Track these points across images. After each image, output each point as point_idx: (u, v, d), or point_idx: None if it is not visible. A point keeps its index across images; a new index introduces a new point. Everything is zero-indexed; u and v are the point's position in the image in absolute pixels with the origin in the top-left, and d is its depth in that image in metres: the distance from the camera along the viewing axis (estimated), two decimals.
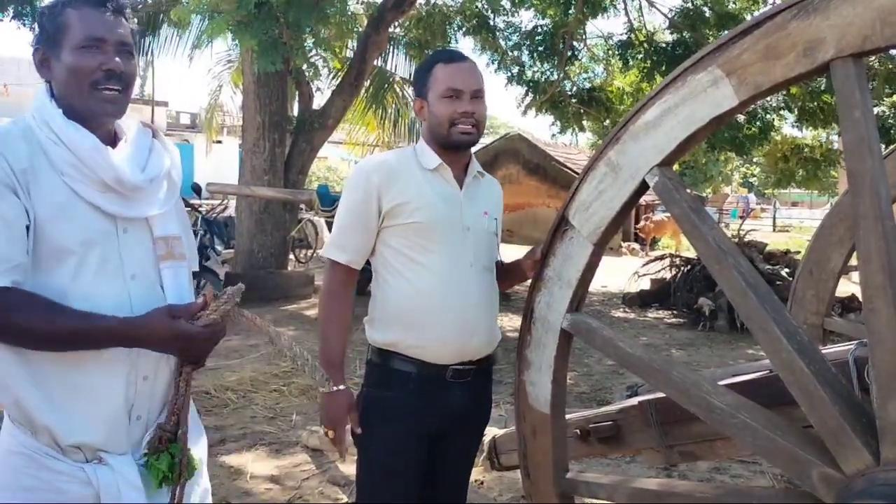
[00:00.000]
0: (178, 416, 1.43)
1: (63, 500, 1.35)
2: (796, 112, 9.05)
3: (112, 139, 1.44)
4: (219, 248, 8.62)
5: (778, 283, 7.40)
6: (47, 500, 1.34)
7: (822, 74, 1.28)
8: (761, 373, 1.68)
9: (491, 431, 2.44)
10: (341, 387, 1.88)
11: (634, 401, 1.97)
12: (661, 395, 1.85)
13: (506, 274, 2.03)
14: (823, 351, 1.64)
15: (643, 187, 1.53)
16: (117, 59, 1.38)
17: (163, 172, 1.49)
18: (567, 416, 2.00)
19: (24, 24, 7.76)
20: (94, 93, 1.37)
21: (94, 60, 1.36)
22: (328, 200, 8.66)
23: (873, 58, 8.11)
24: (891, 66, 8.02)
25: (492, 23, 10.03)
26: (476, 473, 3.43)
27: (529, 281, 1.81)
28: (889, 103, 8.63)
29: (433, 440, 1.91)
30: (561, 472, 1.73)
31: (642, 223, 17.90)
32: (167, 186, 1.50)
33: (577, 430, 2.02)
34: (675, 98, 1.45)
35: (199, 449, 1.57)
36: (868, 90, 1.26)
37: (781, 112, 8.77)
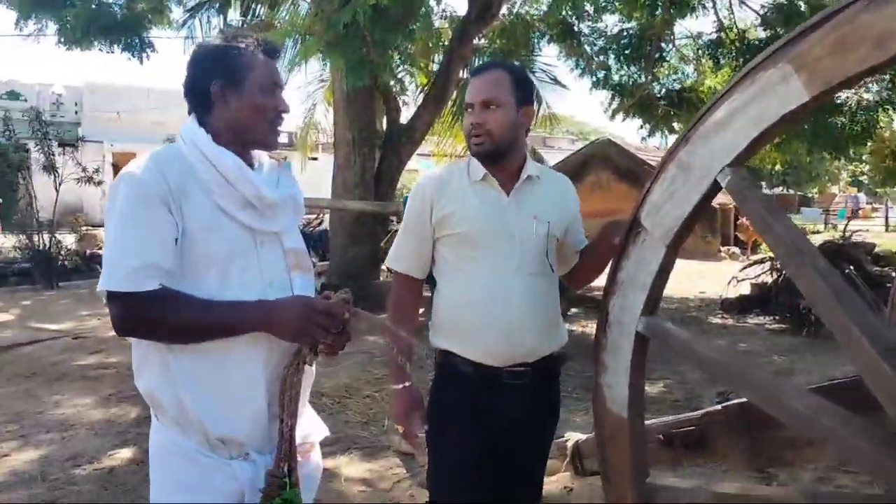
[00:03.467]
0: (289, 460, 1.52)
1: (215, 496, 1.50)
2: None
3: (250, 164, 1.63)
4: (314, 259, 8.93)
5: (887, 284, 6.97)
6: (203, 495, 1.50)
7: (895, 65, 1.23)
8: (847, 377, 1.62)
9: (574, 436, 2.45)
10: (407, 384, 1.99)
11: (719, 406, 1.94)
12: (745, 399, 1.82)
13: (588, 257, 2.08)
14: None
15: (715, 188, 1.52)
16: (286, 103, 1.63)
17: (290, 193, 1.67)
18: (650, 422, 2.00)
19: (134, 56, 8.33)
20: (270, 128, 1.60)
21: (273, 102, 1.60)
22: None
23: None
24: None
25: (576, 28, 9.96)
26: (565, 480, 3.43)
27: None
28: None
29: (498, 438, 1.96)
30: (640, 477, 1.72)
31: (744, 223, 17.23)
32: (293, 206, 1.68)
33: (661, 436, 2.01)
34: (744, 96, 1.43)
35: (316, 454, 1.73)
36: None
37: (887, 108, 8.26)
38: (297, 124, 16.28)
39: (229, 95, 1.57)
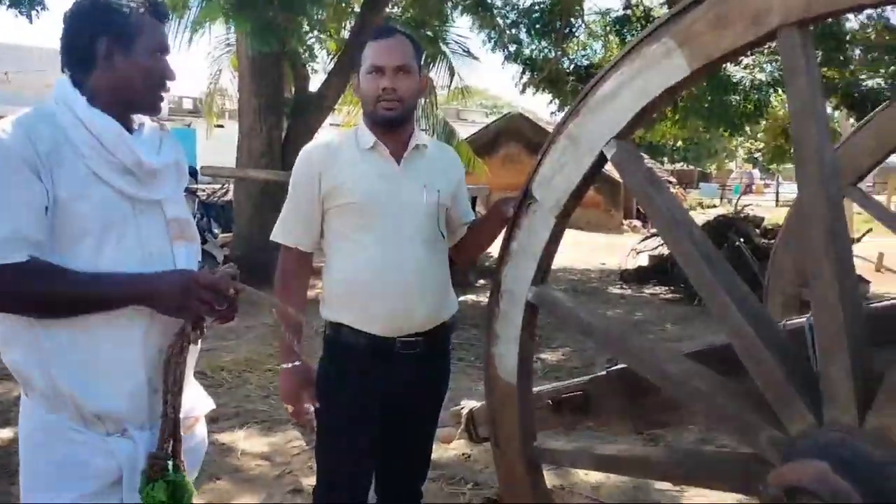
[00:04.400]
0: (172, 440, 1.46)
1: (88, 473, 1.43)
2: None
3: (129, 129, 1.53)
4: (216, 231, 8.66)
5: None
6: (76, 475, 1.42)
7: (770, 41, 1.28)
8: (720, 341, 1.70)
9: (469, 404, 2.48)
10: (296, 363, 1.96)
11: (604, 372, 2.01)
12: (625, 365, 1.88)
13: (479, 231, 2.08)
14: (791, 320, 1.67)
15: (602, 160, 1.55)
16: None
17: (174, 160, 1.59)
18: (541, 388, 2.05)
19: (22, 13, 7.75)
20: (157, 95, 1.54)
21: (161, 67, 1.53)
22: None
23: (870, 28, 8.05)
24: (888, 38, 7.96)
25: (489, 0, 9.97)
26: (464, 447, 3.49)
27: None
28: (887, 74, 8.55)
29: (389, 408, 1.97)
30: (528, 441, 1.76)
31: None
32: (177, 173, 1.61)
33: (549, 401, 2.05)
34: (630, 70, 1.45)
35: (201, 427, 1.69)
36: (814, 57, 1.27)
37: (777, 88, 8.70)
38: (202, 90, 15.61)
39: (116, 56, 1.47)
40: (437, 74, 11.79)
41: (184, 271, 1.49)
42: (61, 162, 1.40)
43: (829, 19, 1.22)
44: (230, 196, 10.34)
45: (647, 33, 1.43)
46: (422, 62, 2.02)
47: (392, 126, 1.94)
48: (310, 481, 3.18)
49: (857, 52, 8.79)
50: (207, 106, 15.09)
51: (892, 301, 1.47)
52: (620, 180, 17.32)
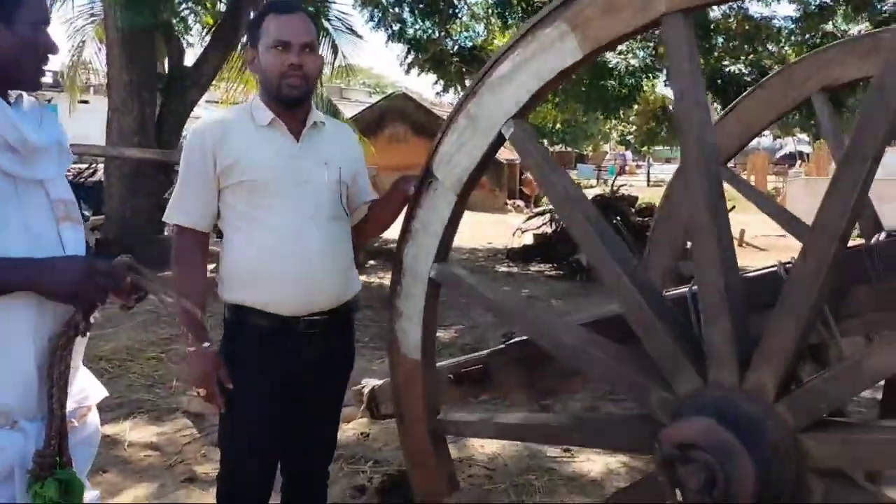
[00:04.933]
0: (58, 439, 1.39)
1: None
2: (665, 72, 9.48)
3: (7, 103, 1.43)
4: (86, 213, 8.15)
5: (647, 234, 7.83)
6: None
7: (656, 27, 1.36)
8: (611, 312, 1.80)
9: (370, 383, 2.50)
10: (206, 345, 1.89)
11: (502, 345, 2.08)
12: (525, 338, 1.96)
13: (380, 209, 2.07)
14: (670, 291, 1.79)
15: (500, 139, 1.59)
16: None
17: (56, 137, 1.50)
18: (441, 363, 2.09)
19: None
20: (39, 68, 1.45)
21: (43, 39, 1.44)
22: None
23: (732, 18, 8.62)
24: (748, 27, 8.56)
25: None
26: (362, 426, 3.51)
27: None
28: (747, 62, 9.20)
29: (293, 390, 1.95)
30: (432, 415, 1.80)
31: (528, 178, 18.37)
32: (60, 152, 1.51)
33: (451, 376, 2.10)
34: (525, 52, 1.50)
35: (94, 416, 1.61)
36: (695, 43, 1.35)
37: (650, 74, 9.17)
38: (63, 63, 14.56)
39: (3, 31, 1.37)
40: (321, 52, 11.57)
41: (78, 257, 1.42)
42: None
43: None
44: (99, 176, 9.75)
45: (542, 17, 1.48)
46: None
47: (292, 104, 1.90)
48: (204, 469, 3.11)
49: (720, 39, 9.38)
50: (70, 80, 14.07)
51: (765, 269, 1.61)
52: (504, 161, 17.72)
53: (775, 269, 1.57)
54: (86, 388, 1.58)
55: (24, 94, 1.50)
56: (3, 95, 1.42)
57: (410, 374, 1.81)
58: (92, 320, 1.46)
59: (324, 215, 1.92)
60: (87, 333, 1.48)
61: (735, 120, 2.68)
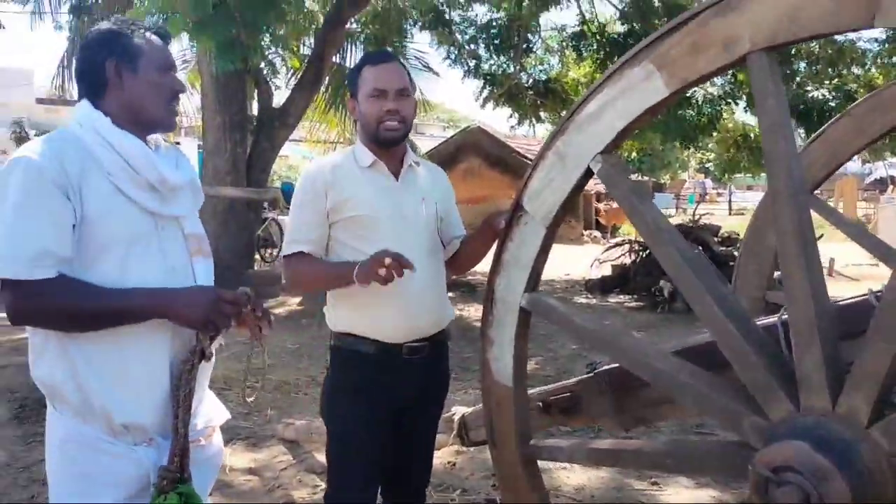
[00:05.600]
0: (182, 456, 1.53)
1: (118, 481, 1.50)
2: (744, 98, 9.34)
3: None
4: None
5: (731, 263, 7.67)
6: (105, 481, 1.49)
7: (741, 66, 1.42)
8: (702, 340, 1.83)
9: (459, 410, 2.58)
10: (360, 261, 1.92)
11: (589, 371, 2.13)
12: (614, 366, 2.01)
13: (472, 244, 2.17)
14: (760, 320, 1.81)
15: (588, 174, 1.67)
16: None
17: (190, 177, 1.68)
18: (530, 391, 2.15)
19: None
20: (168, 108, 1.63)
21: (168, 81, 1.63)
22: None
23: (814, 43, 8.43)
24: (831, 52, 8.36)
25: (447, 17, 10.15)
26: (448, 455, 3.58)
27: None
28: (831, 86, 8.96)
29: (396, 413, 2.06)
30: (524, 440, 1.87)
31: (603, 208, 18.24)
32: (193, 190, 1.69)
33: (540, 403, 2.16)
34: (613, 91, 1.58)
35: (217, 437, 1.76)
36: (780, 79, 1.41)
37: (729, 102, 9.05)
38: None
39: (124, 74, 1.56)
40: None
41: (207, 287, 1.57)
42: (88, 181, 1.47)
43: None
44: None
45: (629, 57, 1.56)
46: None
47: (391, 145, 2.05)
48: (300, 494, 3.25)
49: (802, 65, 9.18)
50: None
51: (856, 297, 1.62)
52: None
53: (867, 296, 1.58)
54: (211, 411, 1.73)
55: (161, 139, 1.69)
56: (144, 141, 1.60)
57: (503, 400, 1.89)
58: (216, 346, 1.61)
59: (423, 248, 2.05)
60: (213, 359, 1.63)
61: (822, 147, 2.67)
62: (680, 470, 2.25)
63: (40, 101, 20.49)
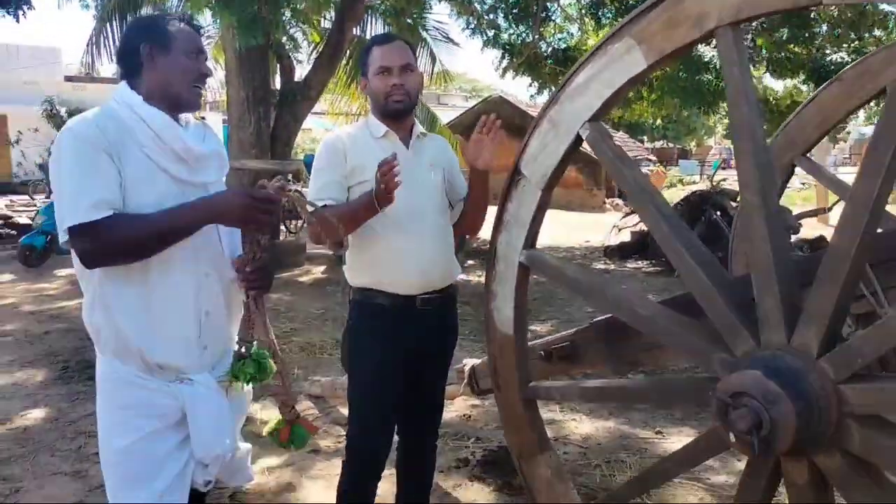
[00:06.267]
0: (253, 327, 1.82)
1: (154, 412, 1.73)
2: (765, 64, 9.32)
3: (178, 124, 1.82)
4: None
5: None
6: (142, 412, 1.73)
7: (710, 39, 1.57)
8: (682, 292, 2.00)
9: (470, 362, 2.79)
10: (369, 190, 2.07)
11: (587, 324, 2.31)
12: (608, 316, 2.19)
13: (469, 200, 2.36)
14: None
15: (578, 140, 1.84)
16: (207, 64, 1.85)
17: (216, 149, 1.87)
18: (532, 342, 2.34)
19: (10, 13, 7.91)
20: (193, 89, 1.80)
21: (197, 65, 1.80)
22: None
23: (833, 7, 8.37)
24: (851, 14, 8.29)
25: None
26: (463, 408, 3.80)
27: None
28: (850, 49, 8.91)
29: (412, 356, 2.28)
30: (524, 382, 2.06)
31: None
32: (219, 160, 1.89)
33: (542, 352, 2.36)
34: (598, 64, 1.74)
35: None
36: (744, 50, 1.56)
37: (754, 65, 9.03)
38: None
39: (158, 57, 1.75)
40: (419, 60, 12.02)
41: (240, 190, 1.78)
42: (126, 150, 1.68)
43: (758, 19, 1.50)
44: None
45: (612, 33, 1.72)
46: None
47: (400, 116, 2.25)
48: (326, 443, 3.51)
49: (824, 28, 9.11)
50: None
51: (813, 253, 1.78)
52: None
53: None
54: None
55: (191, 117, 1.89)
56: (175, 119, 1.79)
57: (505, 346, 2.08)
58: (264, 243, 1.83)
59: (433, 210, 2.26)
60: (241, 307, 1.85)
61: (814, 110, 2.79)
62: (659, 402, 2.45)
63: (69, 78, 20.90)
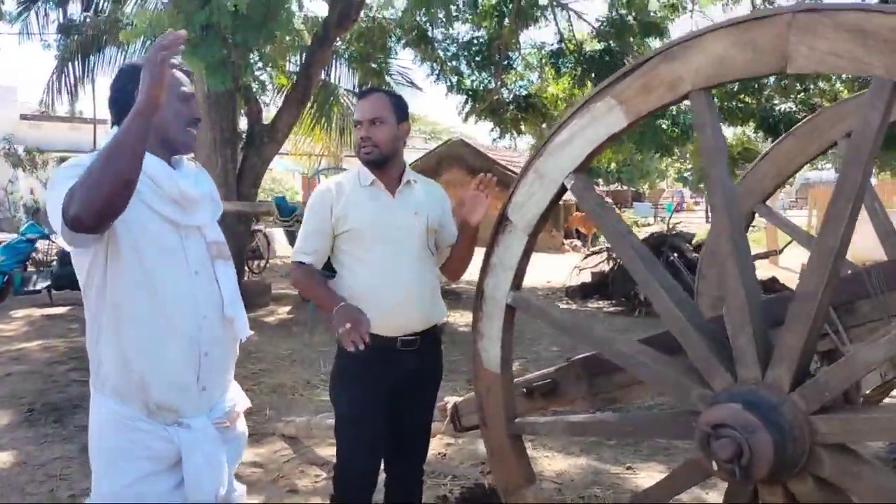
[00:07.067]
0: None
1: (150, 455, 1.74)
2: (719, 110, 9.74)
3: (171, 166, 1.86)
4: None
5: None
6: (138, 454, 1.73)
7: (683, 101, 1.73)
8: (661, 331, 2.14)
9: (452, 399, 2.87)
10: (343, 303, 2.25)
11: (566, 362, 2.43)
12: (588, 354, 2.32)
13: (456, 245, 2.49)
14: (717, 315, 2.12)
15: (563, 189, 1.97)
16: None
17: (208, 191, 1.92)
18: (515, 381, 2.45)
19: None
20: (187, 132, 1.85)
21: (188, 109, 1.84)
22: (286, 211, 8.91)
23: None
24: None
25: (430, 35, 10.48)
26: (439, 447, 3.86)
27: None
28: (797, 99, 9.40)
29: (395, 396, 2.37)
30: (511, 418, 2.16)
31: (572, 217, 18.75)
32: (212, 202, 1.93)
33: (524, 390, 2.46)
34: (581, 121, 1.89)
35: (241, 422, 2.00)
36: (715, 111, 1.72)
37: None
38: None
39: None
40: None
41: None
42: None
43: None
44: None
45: (593, 94, 1.87)
46: (405, 112, 2.45)
47: (379, 166, 2.37)
48: (303, 483, 3.51)
49: (772, 79, 9.59)
50: None
51: (778, 294, 1.93)
52: (559, 204, 18.11)
53: (790, 292, 1.89)
54: (237, 396, 1.99)
55: (183, 158, 1.93)
56: (168, 161, 1.84)
57: (492, 384, 2.18)
58: None
59: (413, 255, 2.38)
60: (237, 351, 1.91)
61: (770, 163, 3.01)
62: (640, 435, 2.55)
63: (24, 117, 20.60)
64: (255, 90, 9.05)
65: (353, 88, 12.31)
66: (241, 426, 2.02)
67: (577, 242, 18.59)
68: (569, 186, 1.95)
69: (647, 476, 3.56)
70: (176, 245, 1.80)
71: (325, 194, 2.39)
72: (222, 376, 1.91)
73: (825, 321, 1.69)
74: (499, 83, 10.62)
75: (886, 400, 2.16)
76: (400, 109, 2.43)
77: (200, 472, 1.77)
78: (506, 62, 10.48)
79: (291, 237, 9.08)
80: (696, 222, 22.63)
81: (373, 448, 2.37)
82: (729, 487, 1.71)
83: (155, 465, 1.76)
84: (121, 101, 1.81)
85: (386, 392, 2.35)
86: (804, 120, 3.02)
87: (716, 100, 8.35)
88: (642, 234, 11.86)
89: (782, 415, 1.54)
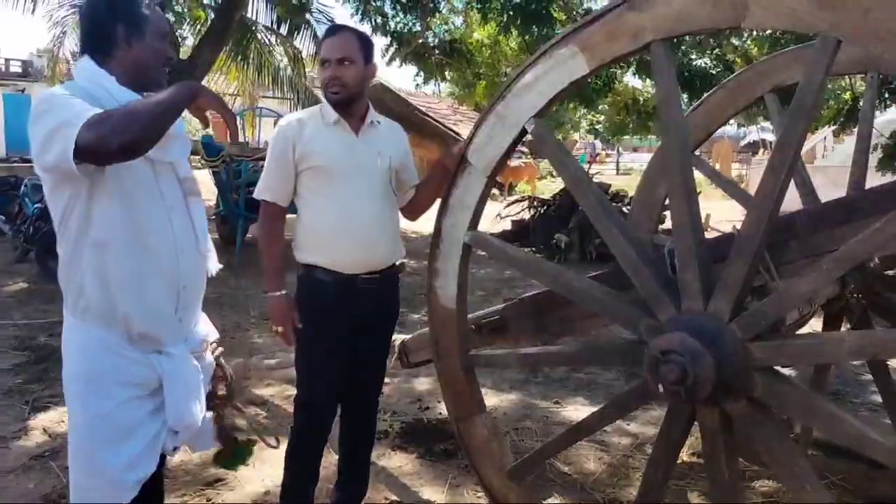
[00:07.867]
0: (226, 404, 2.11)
1: (132, 381, 1.78)
2: (634, 65, 9.99)
3: None
4: None
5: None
6: (122, 380, 1.76)
7: (645, 51, 1.83)
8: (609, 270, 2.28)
9: (399, 338, 2.96)
10: (282, 291, 2.37)
11: (515, 299, 2.56)
12: (535, 293, 2.44)
13: (424, 188, 2.56)
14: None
15: (523, 133, 2.06)
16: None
17: (179, 128, 1.88)
18: None
19: None
20: (161, 70, 1.84)
21: (165, 48, 1.85)
22: (213, 150, 8.53)
23: None
24: None
25: None
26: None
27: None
28: (713, 56, 9.76)
29: (354, 332, 2.43)
30: (465, 352, 2.27)
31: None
32: (182, 139, 1.92)
33: (473, 326, 2.57)
34: (544, 66, 1.96)
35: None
36: (673, 61, 1.83)
37: (622, 66, 9.67)
38: (31, 52, 14.47)
39: (133, 40, 1.78)
40: (302, 43, 11.97)
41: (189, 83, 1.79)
42: None
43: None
44: None
45: (558, 40, 1.94)
46: (371, 53, 2.43)
47: (344, 106, 2.36)
48: (241, 421, 3.54)
49: (688, 36, 9.92)
50: (51, 71, 14.20)
51: (722, 234, 2.10)
52: None
53: (733, 233, 2.06)
54: (206, 327, 2.02)
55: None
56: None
57: (447, 320, 2.28)
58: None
59: (375, 194, 2.40)
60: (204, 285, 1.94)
61: (702, 114, 3.18)
62: (591, 363, 2.72)
63: None
64: (172, 22, 8.63)
65: (272, 25, 11.91)
66: (209, 356, 2.06)
67: (495, 191, 18.81)
68: (529, 130, 2.03)
69: (574, 409, 3.79)
70: (151, 182, 1.80)
71: (287, 130, 2.37)
72: (196, 308, 1.96)
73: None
74: (424, 26, 10.51)
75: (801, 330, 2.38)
76: (367, 49, 2.42)
77: (180, 398, 1.83)
78: (431, 4, 10.35)
79: (217, 179, 8.77)
80: (608, 173, 23.34)
81: (332, 376, 2.43)
82: (669, 410, 1.88)
83: (137, 390, 1.80)
84: (99, 33, 1.78)
85: (346, 328, 2.41)
86: (737, 73, 3.20)
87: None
88: (557, 183, 12.16)
89: (723, 341, 1.71)
